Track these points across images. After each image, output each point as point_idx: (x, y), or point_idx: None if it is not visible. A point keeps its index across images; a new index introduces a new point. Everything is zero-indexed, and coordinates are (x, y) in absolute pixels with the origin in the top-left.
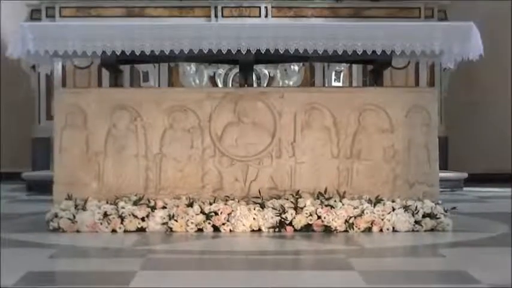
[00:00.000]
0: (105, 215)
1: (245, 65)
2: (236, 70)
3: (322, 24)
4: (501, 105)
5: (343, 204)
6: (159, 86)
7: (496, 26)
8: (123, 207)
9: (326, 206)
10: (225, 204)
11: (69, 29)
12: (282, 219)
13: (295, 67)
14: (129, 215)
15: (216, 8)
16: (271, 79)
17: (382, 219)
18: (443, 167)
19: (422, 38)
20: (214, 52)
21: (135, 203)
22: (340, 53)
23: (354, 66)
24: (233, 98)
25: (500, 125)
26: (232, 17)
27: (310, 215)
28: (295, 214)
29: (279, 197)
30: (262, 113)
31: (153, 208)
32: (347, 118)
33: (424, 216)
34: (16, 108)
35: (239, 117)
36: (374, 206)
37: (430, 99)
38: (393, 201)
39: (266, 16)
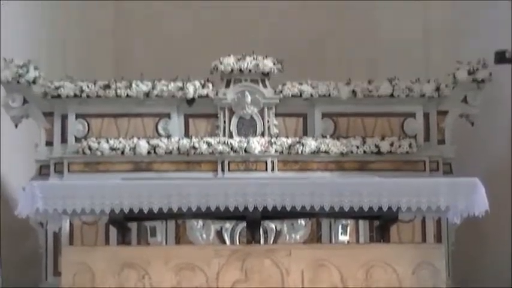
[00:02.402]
0: None
1: (252, 221)
2: (243, 224)
3: (328, 181)
4: (507, 258)
5: None
6: (166, 241)
7: (497, 180)
8: None
9: None
10: None
11: (78, 187)
12: None
13: (302, 221)
14: None
15: (222, 162)
16: (278, 233)
17: None
18: None
19: (428, 194)
20: (222, 209)
21: None
22: (346, 210)
23: (361, 220)
24: (241, 255)
25: (506, 277)
26: (238, 171)
27: None
28: None
29: None
30: (269, 271)
31: None
32: (354, 275)
33: None
34: (23, 264)
35: (247, 275)
36: None
37: (437, 255)
38: None
39: (272, 170)
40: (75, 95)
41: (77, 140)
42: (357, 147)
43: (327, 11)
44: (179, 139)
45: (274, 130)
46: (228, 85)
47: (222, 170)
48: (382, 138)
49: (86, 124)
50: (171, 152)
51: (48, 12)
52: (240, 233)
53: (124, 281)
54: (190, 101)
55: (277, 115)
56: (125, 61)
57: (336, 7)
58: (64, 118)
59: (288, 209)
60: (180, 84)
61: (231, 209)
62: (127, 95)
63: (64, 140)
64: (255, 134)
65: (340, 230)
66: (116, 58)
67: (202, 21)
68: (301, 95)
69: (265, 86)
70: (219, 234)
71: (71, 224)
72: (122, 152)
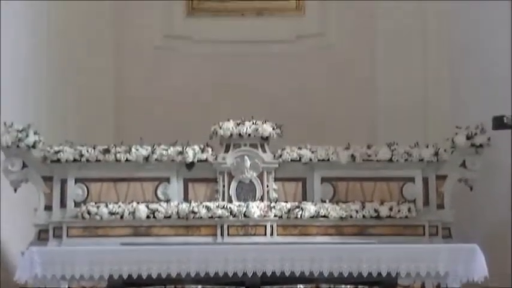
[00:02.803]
0: None
1: (251, 287)
2: None
3: (327, 247)
4: None
5: None
6: None
7: (497, 245)
8: None
9: None
10: None
11: (76, 253)
12: None
13: (301, 286)
14: None
15: (222, 226)
16: None
17: None
18: None
19: (427, 260)
20: (221, 275)
21: None
22: (345, 275)
23: (360, 286)
24: None
25: None
26: (238, 235)
27: None
28: None
29: None
30: None
31: None
32: None
33: None
34: None
35: None
36: None
37: None
38: None
39: (272, 234)
40: (75, 160)
41: (76, 204)
42: (356, 211)
43: (327, 75)
44: (178, 203)
45: (274, 194)
46: (227, 150)
47: (222, 234)
48: (381, 203)
49: (85, 188)
50: (170, 217)
51: (48, 79)
52: None
53: None
54: (190, 166)
55: (276, 179)
56: (125, 126)
57: (336, 71)
58: (63, 182)
59: (287, 274)
60: (179, 148)
61: (230, 275)
62: (126, 160)
63: (63, 204)
64: (254, 198)
65: None
66: (117, 124)
67: (201, 84)
68: (300, 160)
69: (264, 150)
70: None
71: None
72: (121, 217)
